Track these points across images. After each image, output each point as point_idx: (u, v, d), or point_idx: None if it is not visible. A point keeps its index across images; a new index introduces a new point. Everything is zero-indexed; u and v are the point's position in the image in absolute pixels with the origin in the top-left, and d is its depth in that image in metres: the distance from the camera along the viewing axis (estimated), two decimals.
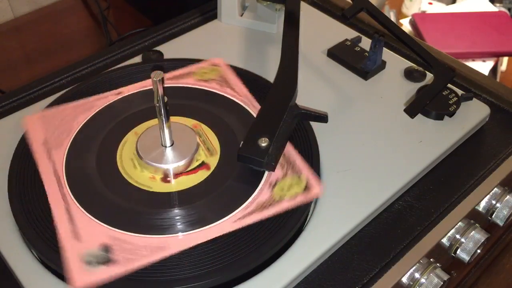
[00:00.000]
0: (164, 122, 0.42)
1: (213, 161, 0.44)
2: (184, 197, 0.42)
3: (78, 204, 0.41)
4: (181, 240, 0.39)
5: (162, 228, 0.40)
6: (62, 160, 0.44)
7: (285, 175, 0.43)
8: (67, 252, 0.38)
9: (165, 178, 0.43)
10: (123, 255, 0.38)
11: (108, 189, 0.42)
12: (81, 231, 0.39)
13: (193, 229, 0.40)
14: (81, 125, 0.47)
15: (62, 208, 0.41)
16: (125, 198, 0.42)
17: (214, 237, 0.39)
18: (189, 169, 0.44)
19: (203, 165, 0.44)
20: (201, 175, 0.43)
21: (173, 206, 0.41)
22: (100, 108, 0.49)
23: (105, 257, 0.37)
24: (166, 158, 0.43)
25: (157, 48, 0.57)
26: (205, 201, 0.42)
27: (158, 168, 0.43)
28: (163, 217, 0.41)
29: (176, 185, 0.43)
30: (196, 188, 0.42)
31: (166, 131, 0.43)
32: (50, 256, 0.38)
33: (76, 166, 0.44)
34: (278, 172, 0.43)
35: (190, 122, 0.48)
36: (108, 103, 0.49)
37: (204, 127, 0.47)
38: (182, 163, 0.43)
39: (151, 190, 0.42)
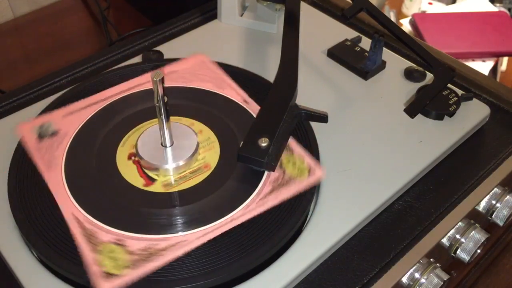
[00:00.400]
0: (164, 122, 0.42)
1: (156, 188, 0.43)
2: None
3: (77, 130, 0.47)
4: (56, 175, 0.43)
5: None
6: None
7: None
8: (43, 117, 0.47)
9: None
10: (48, 144, 0.45)
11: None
12: (64, 120, 0.47)
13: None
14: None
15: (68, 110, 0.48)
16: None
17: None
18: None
19: (153, 181, 0.43)
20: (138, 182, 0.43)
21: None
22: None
23: (46, 133, 0.46)
24: (166, 158, 0.43)
25: (157, 48, 0.57)
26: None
27: (160, 169, 0.43)
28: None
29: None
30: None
31: (166, 131, 0.43)
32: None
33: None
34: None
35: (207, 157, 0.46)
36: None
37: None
38: (181, 163, 0.43)
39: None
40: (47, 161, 0.44)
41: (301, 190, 0.41)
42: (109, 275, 0.36)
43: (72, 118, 0.48)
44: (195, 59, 0.53)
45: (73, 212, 0.40)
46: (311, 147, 0.45)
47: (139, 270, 0.36)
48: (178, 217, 0.40)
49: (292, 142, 0.44)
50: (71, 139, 0.46)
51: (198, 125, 0.47)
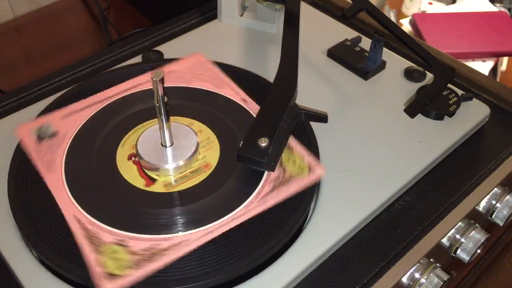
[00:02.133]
0: (164, 122, 0.42)
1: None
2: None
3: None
4: None
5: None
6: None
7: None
8: (42, 118, 0.47)
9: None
10: (48, 145, 0.44)
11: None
12: (63, 121, 0.47)
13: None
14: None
15: None
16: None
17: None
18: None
19: (154, 181, 0.43)
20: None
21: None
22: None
23: (45, 134, 0.46)
24: (166, 158, 0.43)
25: (157, 48, 0.57)
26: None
27: (160, 169, 0.43)
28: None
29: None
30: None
31: (166, 131, 0.43)
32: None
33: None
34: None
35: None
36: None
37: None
38: (182, 163, 0.43)
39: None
40: (47, 162, 0.44)
41: (301, 188, 0.41)
42: (112, 275, 0.36)
43: (72, 119, 0.47)
44: (193, 59, 0.53)
45: (75, 213, 0.40)
46: (311, 147, 0.45)
47: (142, 270, 0.36)
48: (179, 216, 0.40)
49: (292, 141, 0.44)
50: (70, 139, 0.46)
51: (198, 125, 0.47)
